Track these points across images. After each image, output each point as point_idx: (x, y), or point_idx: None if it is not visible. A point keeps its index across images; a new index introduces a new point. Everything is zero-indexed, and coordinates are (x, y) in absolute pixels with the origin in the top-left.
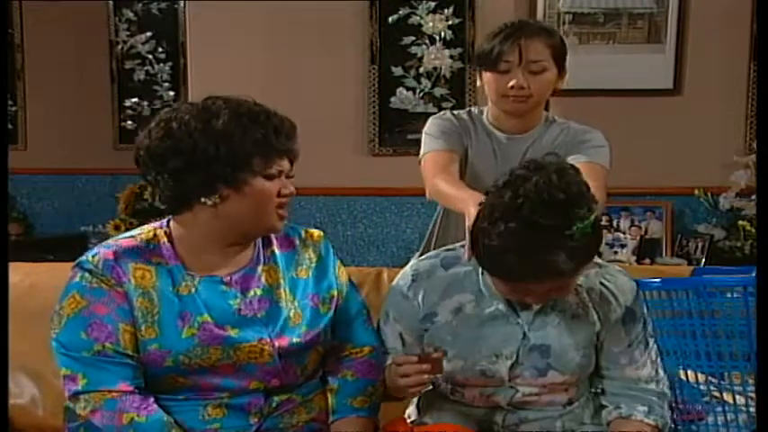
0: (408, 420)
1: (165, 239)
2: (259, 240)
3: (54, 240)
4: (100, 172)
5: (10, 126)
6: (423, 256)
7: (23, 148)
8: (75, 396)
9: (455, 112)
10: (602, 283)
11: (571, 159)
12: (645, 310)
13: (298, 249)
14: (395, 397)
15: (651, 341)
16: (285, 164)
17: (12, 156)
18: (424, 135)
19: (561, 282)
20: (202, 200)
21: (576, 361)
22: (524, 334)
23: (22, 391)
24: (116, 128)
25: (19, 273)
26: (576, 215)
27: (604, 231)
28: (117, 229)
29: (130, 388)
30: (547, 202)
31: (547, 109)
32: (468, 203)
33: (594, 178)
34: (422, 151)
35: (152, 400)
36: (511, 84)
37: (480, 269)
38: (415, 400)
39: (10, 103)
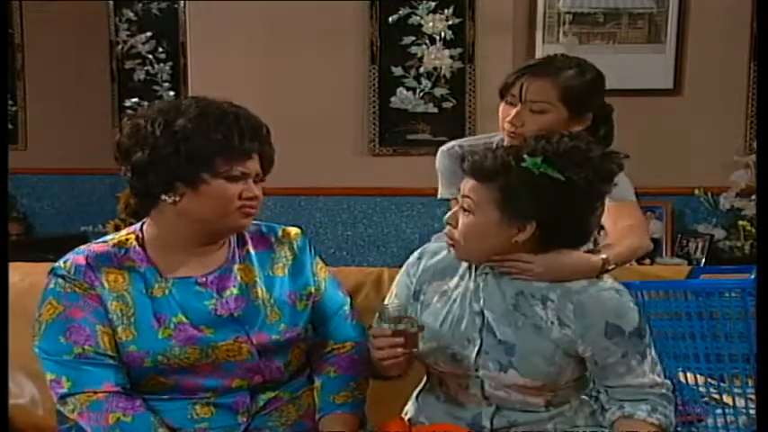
0: (406, 418)
1: (136, 244)
2: (234, 240)
3: (54, 240)
4: (100, 172)
5: (10, 126)
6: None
7: (23, 148)
8: (62, 399)
9: (470, 142)
10: (578, 300)
11: None
12: (638, 324)
13: (274, 248)
14: (383, 376)
15: (649, 352)
16: (251, 166)
17: (12, 156)
18: (438, 172)
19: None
20: (162, 197)
21: (539, 368)
22: (485, 322)
23: (22, 391)
24: (116, 128)
25: (19, 273)
26: (544, 150)
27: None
28: (117, 229)
29: (115, 388)
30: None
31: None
32: None
33: (629, 216)
34: (439, 192)
35: (139, 400)
36: (508, 118)
37: None
38: (413, 398)
39: (10, 103)
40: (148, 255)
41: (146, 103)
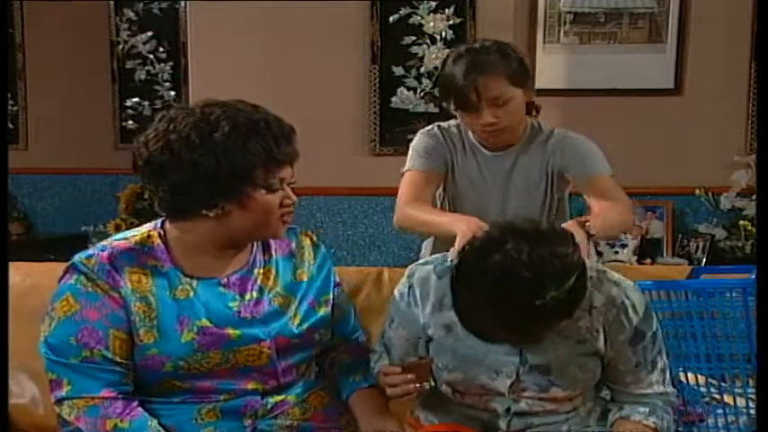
0: (412, 415)
1: (160, 241)
2: (257, 242)
3: (55, 240)
4: (101, 172)
5: (11, 126)
6: (420, 261)
7: (24, 148)
8: (59, 401)
9: (444, 125)
10: (622, 303)
11: (575, 178)
12: (655, 329)
13: (295, 252)
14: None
15: (660, 360)
16: (287, 171)
17: (12, 156)
18: (410, 149)
19: (539, 336)
20: (203, 212)
21: (578, 378)
22: (521, 353)
23: (22, 390)
24: (117, 128)
25: (19, 273)
26: (547, 286)
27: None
28: (118, 228)
29: (113, 394)
30: (512, 278)
31: (536, 112)
32: (460, 223)
33: (609, 188)
34: (406, 165)
35: (135, 404)
36: (481, 122)
37: None
38: (419, 400)
39: (11, 102)
40: (172, 254)
41: (147, 104)
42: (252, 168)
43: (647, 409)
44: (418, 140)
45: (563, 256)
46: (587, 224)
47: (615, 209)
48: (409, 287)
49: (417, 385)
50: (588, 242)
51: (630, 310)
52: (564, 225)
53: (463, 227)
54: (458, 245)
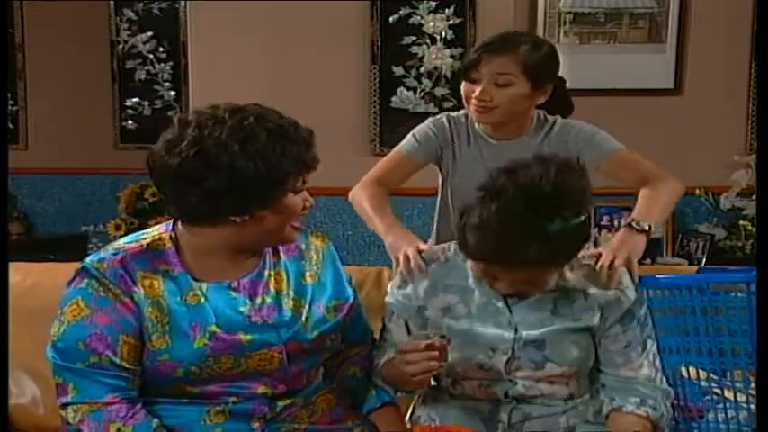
0: (411, 416)
1: (171, 244)
2: None
3: (55, 240)
4: (101, 172)
5: (10, 126)
6: None
7: (24, 148)
8: (64, 406)
9: (453, 114)
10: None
11: (591, 163)
12: (644, 312)
13: (304, 255)
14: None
15: (650, 344)
16: (309, 175)
17: (12, 155)
18: (411, 132)
19: (530, 273)
20: (232, 218)
21: (573, 354)
22: (516, 329)
23: (22, 390)
24: (117, 128)
25: (19, 273)
26: (558, 212)
27: (605, 231)
28: (118, 228)
29: (117, 399)
30: (530, 193)
31: (569, 112)
32: (397, 242)
33: (634, 163)
34: (405, 147)
35: (139, 406)
36: (475, 93)
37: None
38: (421, 395)
39: (11, 102)
40: (183, 258)
41: (146, 104)
42: (287, 174)
43: (638, 399)
44: (421, 127)
45: (583, 187)
46: (639, 223)
47: (659, 189)
48: (402, 275)
49: (438, 363)
50: (648, 238)
51: (622, 290)
52: (618, 235)
53: (397, 249)
54: (395, 268)
